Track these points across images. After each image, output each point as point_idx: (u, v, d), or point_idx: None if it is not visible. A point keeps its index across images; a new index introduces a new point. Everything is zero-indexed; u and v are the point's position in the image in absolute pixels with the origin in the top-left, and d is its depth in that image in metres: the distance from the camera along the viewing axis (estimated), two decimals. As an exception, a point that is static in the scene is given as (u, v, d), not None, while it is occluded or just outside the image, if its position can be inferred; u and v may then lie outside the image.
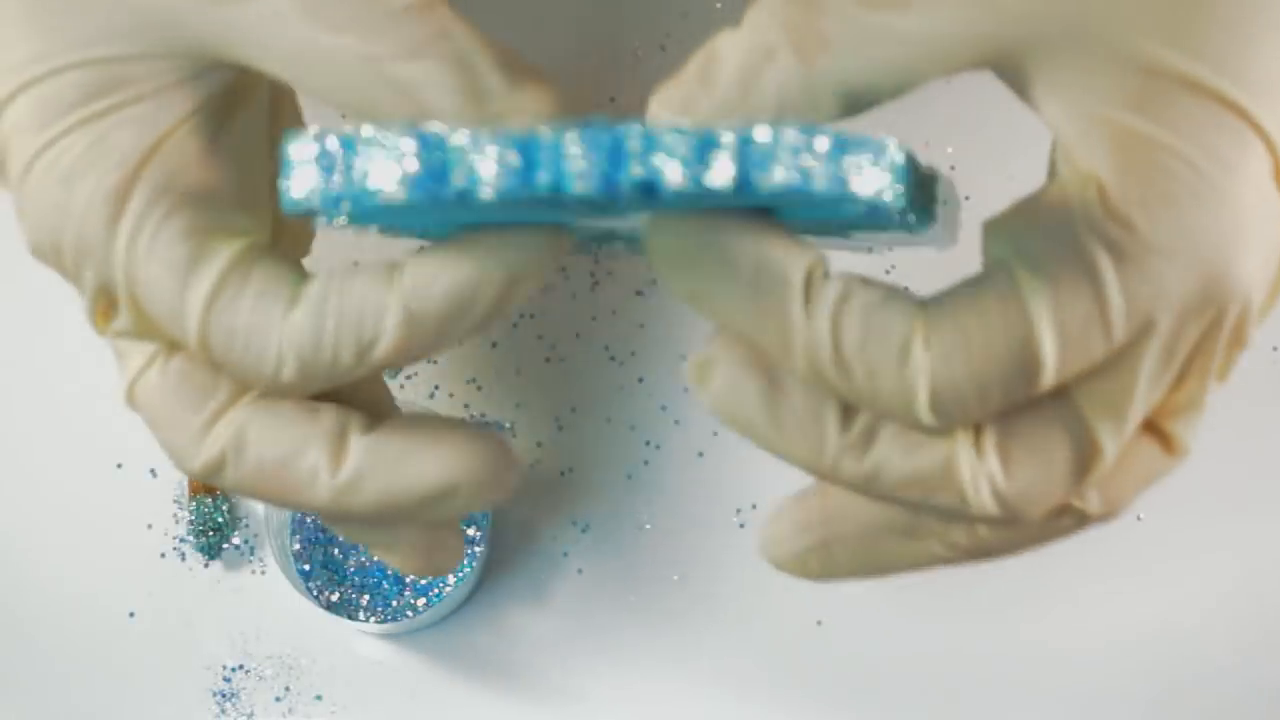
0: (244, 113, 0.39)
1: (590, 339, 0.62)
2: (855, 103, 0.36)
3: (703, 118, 0.35)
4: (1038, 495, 0.37)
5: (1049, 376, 0.35)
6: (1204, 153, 0.34)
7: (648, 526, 0.61)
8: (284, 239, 0.40)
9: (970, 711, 0.60)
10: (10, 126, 0.38)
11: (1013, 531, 0.39)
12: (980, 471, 0.36)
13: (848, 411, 0.36)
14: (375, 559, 0.59)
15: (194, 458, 0.39)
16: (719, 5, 0.62)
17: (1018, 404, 0.36)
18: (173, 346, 0.39)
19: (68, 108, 0.37)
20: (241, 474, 0.39)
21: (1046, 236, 0.35)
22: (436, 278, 0.36)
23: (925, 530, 0.39)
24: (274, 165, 0.39)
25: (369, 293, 0.36)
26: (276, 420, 0.38)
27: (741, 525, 0.61)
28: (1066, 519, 0.39)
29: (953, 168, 0.62)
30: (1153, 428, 0.38)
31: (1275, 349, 0.62)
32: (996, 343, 0.35)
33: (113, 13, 0.37)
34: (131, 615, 0.60)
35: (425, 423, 0.39)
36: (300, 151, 0.35)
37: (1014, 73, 0.36)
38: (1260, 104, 0.35)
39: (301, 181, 0.35)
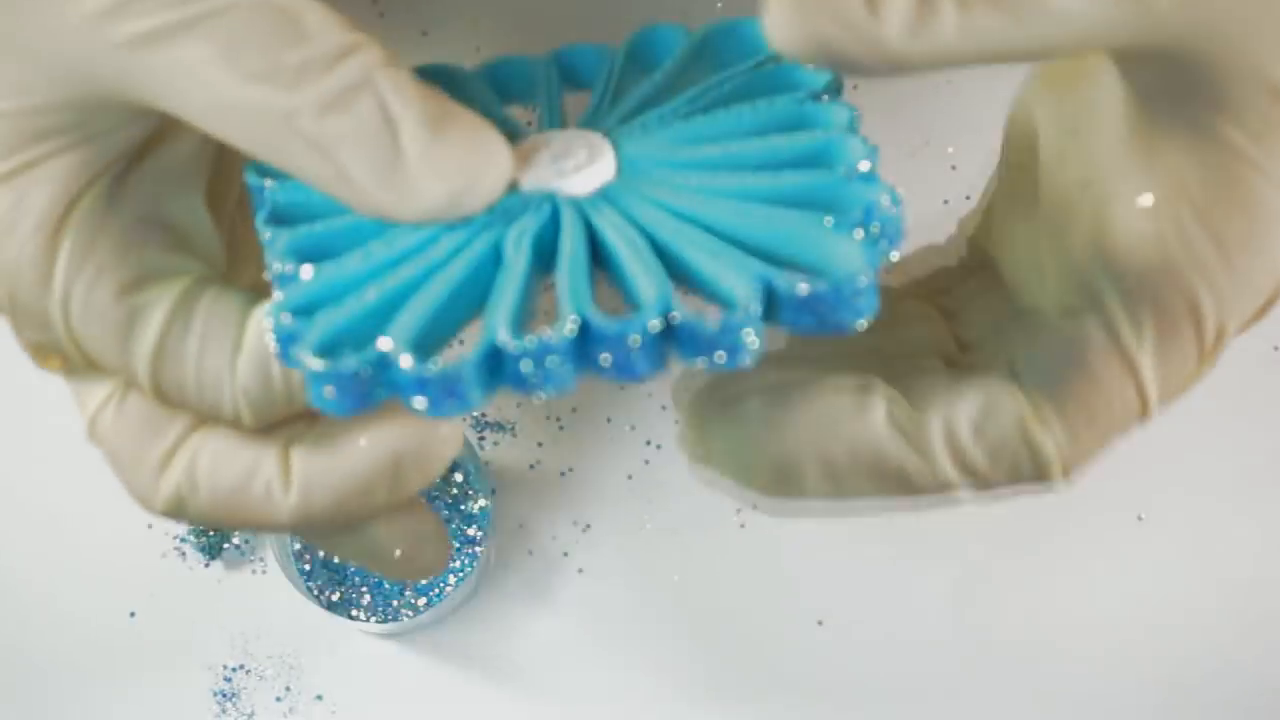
0: (172, 146, 0.37)
1: (590, 339, 0.62)
2: (988, 60, 0.34)
3: (858, 32, 0.33)
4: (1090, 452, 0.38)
5: (1151, 413, 0.37)
6: None
7: (648, 526, 0.61)
8: (236, 260, 0.39)
9: (970, 712, 0.60)
10: None
11: None
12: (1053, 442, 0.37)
13: None
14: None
15: (155, 496, 0.38)
16: (719, 5, 0.63)
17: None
18: (128, 385, 0.38)
19: None
20: (201, 507, 0.38)
21: (1141, 271, 0.35)
22: None
23: None
24: (218, 185, 0.38)
25: None
26: (226, 448, 0.38)
27: (742, 525, 0.61)
28: None
29: (953, 167, 0.62)
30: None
31: (1276, 349, 0.62)
32: (1115, 407, 0.36)
33: (27, 63, 0.35)
34: (132, 615, 0.60)
35: (355, 419, 0.38)
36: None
37: (1143, 72, 0.35)
38: None
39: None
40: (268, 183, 0.36)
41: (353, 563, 0.44)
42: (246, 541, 0.60)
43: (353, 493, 0.37)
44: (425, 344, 0.33)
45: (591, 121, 0.38)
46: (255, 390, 0.36)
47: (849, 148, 0.35)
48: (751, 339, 0.33)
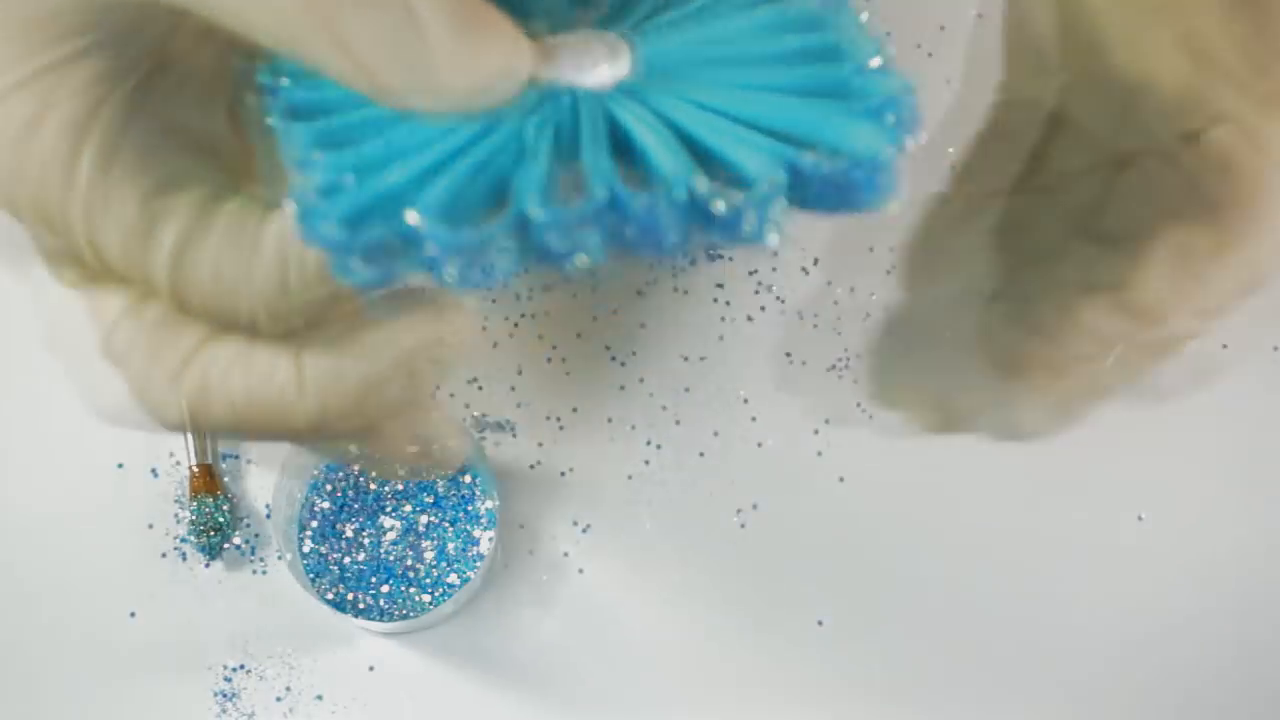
0: (195, 57, 0.37)
1: (590, 339, 0.62)
2: None
3: None
4: None
5: None
6: None
7: (648, 526, 0.61)
8: (250, 167, 0.39)
9: (970, 711, 0.60)
10: None
11: None
12: None
13: None
14: (382, 555, 0.59)
15: (171, 408, 0.38)
16: None
17: None
18: (144, 296, 0.38)
19: (7, 65, 0.35)
20: (217, 416, 0.38)
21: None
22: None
23: None
24: (230, 91, 0.38)
25: None
26: (241, 355, 0.38)
27: (742, 525, 0.61)
28: None
29: (953, 167, 0.62)
30: None
31: (1276, 349, 0.62)
32: None
33: None
34: (132, 615, 0.60)
35: (366, 323, 0.38)
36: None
37: None
38: None
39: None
40: (283, 81, 0.37)
41: (373, 470, 0.44)
42: (246, 542, 0.60)
43: (368, 390, 0.37)
44: (451, 217, 0.34)
45: (607, 24, 0.39)
46: (272, 296, 0.36)
47: (861, 44, 0.36)
48: (776, 214, 0.34)
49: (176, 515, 0.61)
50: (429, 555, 0.59)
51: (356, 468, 0.60)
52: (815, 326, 0.62)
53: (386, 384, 0.37)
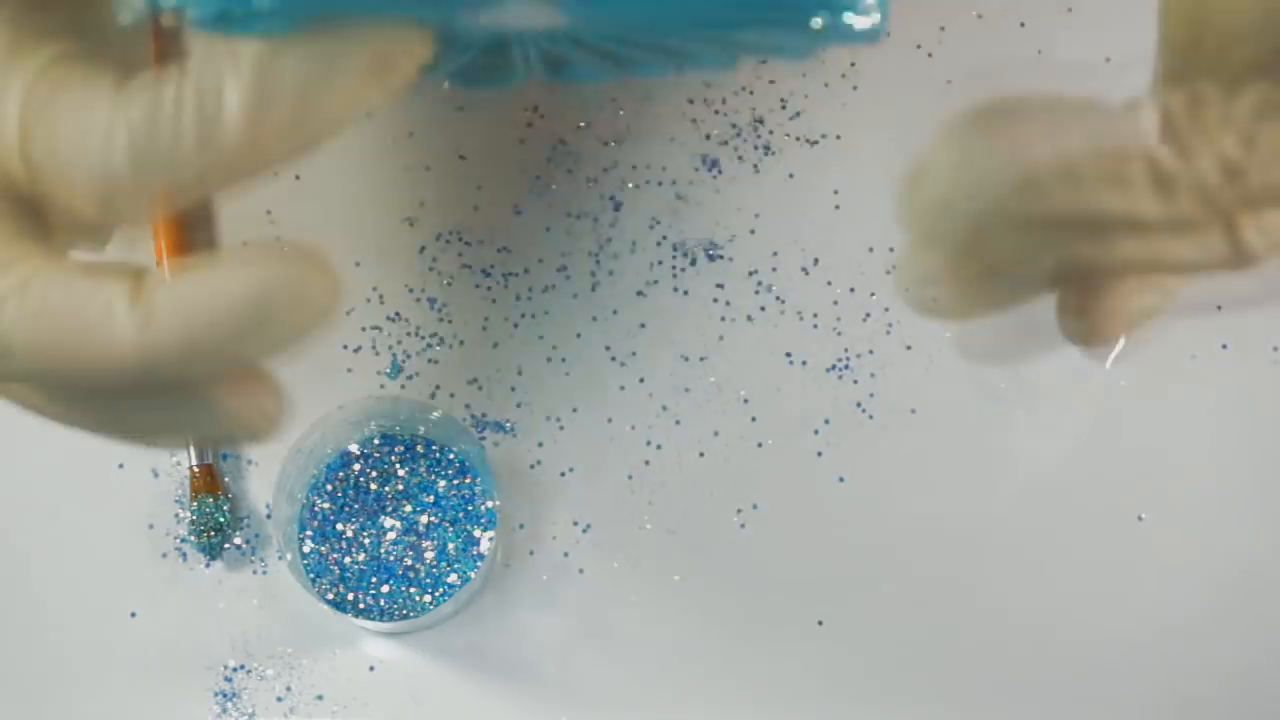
0: None
1: (590, 339, 0.62)
2: None
3: None
4: None
5: None
6: None
7: (648, 526, 0.61)
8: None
9: (970, 711, 0.60)
10: None
11: None
12: None
13: None
14: (382, 555, 0.59)
15: None
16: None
17: None
18: None
19: None
20: (23, 319, 0.33)
21: None
22: (287, 53, 0.32)
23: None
24: None
25: (208, 70, 0.32)
26: (70, 266, 0.34)
27: (742, 525, 0.61)
28: None
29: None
30: None
31: (1276, 349, 0.62)
32: None
33: None
34: (132, 615, 0.60)
35: (232, 251, 0.34)
36: None
37: None
38: None
39: None
40: None
41: (169, 436, 0.39)
42: (247, 542, 0.60)
43: (212, 324, 0.33)
44: None
45: None
46: (139, 131, 0.32)
47: None
48: None
49: (176, 515, 0.61)
50: (429, 555, 0.59)
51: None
52: (815, 326, 0.62)
53: (233, 323, 0.32)
